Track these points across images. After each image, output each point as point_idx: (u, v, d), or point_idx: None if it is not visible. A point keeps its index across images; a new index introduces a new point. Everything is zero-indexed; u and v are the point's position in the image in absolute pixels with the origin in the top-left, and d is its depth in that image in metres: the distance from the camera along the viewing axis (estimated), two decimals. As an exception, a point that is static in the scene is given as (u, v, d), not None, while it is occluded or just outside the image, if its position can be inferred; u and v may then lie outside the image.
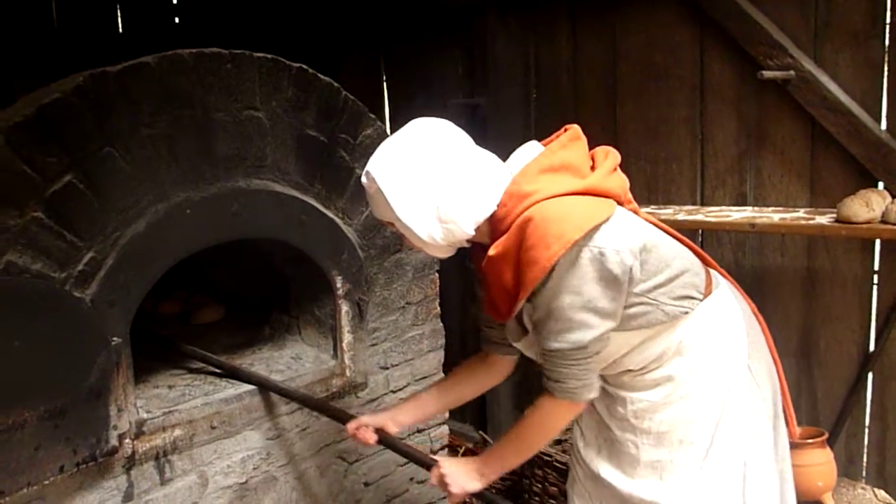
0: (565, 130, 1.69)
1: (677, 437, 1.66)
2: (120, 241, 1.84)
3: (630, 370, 1.68)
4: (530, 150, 1.68)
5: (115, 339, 1.84)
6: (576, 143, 1.66)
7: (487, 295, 1.70)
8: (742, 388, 1.70)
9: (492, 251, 1.59)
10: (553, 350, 1.56)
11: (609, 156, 1.69)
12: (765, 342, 1.83)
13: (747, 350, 1.74)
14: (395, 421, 1.96)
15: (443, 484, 1.74)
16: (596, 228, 1.52)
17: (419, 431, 2.67)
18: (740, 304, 1.79)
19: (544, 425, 1.68)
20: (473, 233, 1.61)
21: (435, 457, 1.92)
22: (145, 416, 1.99)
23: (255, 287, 2.83)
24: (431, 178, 1.57)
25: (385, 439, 1.93)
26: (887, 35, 2.43)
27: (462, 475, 1.72)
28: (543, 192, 1.55)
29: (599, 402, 1.76)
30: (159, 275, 1.94)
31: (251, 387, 2.21)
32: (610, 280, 1.52)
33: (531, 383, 1.94)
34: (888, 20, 2.42)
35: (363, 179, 1.64)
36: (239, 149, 2.06)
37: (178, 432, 2.04)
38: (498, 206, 1.60)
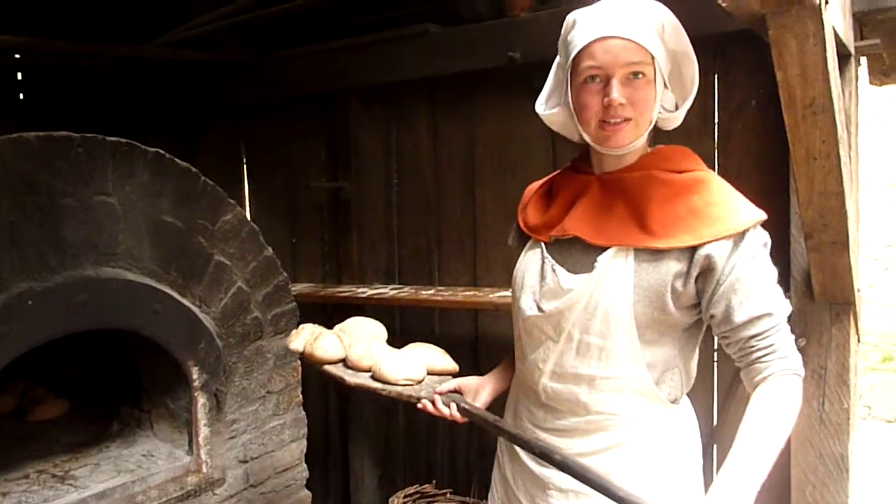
0: None
1: None
2: (-50, 336, 1.69)
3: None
4: None
5: (-61, 445, 1.68)
6: None
7: (587, 211, 1.58)
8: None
9: (661, 174, 1.54)
10: (780, 314, 1.46)
11: None
12: None
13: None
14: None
15: None
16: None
17: None
18: None
19: (793, 413, 1.43)
20: (682, 110, 1.58)
21: None
22: (-28, 529, 1.81)
23: (102, 378, 2.67)
24: None
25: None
26: (716, 132, 2.69)
27: None
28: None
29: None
30: (-5, 372, 1.79)
31: (97, 490, 2.05)
32: None
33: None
34: (716, 119, 2.68)
35: (660, 19, 1.50)
36: (88, 236, 1.97)
37: (10, 546, 1.85)
38: (655, 147, 1.61)
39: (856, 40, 2.47)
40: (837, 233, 2.17)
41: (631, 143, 1.53)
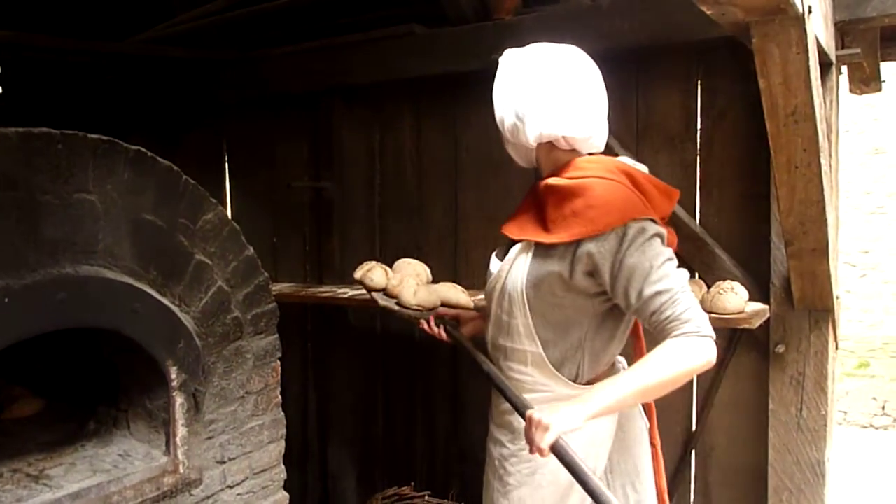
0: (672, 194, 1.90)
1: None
2: (-76, 334, 1.66)
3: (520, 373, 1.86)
4: (635, 162, 1.92)
5: (-89, 444, 1.65)
6: (669, 198, 1.86)
7: (520, 213, 1.93)
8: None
9: (553, 181, 1.79)
10: (674, 287, 1.63)
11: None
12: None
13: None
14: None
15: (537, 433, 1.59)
16: (653, 222, 1.71)
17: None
18: None
19: (681, 360, 1.60)
20: (531, 143, 1.83)
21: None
22: (-56, 529, 1.78)
23: (79, 377, 2.64)
24: (556, 81, 1.76)
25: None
26: (699, 138, 2.70)
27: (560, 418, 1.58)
28: (621, 180, 1.75)
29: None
30: (-31, 370, 1.77)
31: (72, 490, 2.02)
32: None
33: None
34: (699, 125, 2.70)
35: (508, 63, 1.83)
36: (68, 233, 1.94)
37: (-17, 546, 1.83)
38: (581, 157, 1.84)
39: (837, 49, 2.50)
40: (817, 240, 2.19)
41: (522, 164, 1.95)
